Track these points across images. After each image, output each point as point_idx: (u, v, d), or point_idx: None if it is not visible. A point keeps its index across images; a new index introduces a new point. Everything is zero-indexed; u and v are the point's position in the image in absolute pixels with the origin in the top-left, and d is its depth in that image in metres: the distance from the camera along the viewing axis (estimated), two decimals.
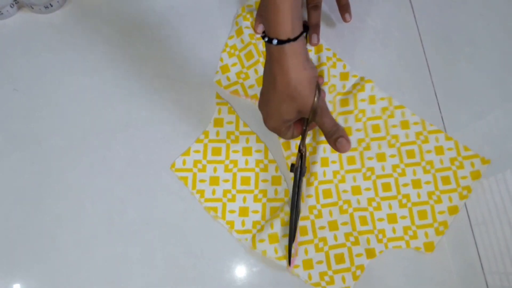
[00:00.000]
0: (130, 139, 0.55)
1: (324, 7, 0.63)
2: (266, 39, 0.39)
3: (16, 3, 0.60)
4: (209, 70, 0.59)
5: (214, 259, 0.51)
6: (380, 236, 0.52)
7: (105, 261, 0.50)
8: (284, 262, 0.50)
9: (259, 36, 0.60)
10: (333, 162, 0.55)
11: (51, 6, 0.60)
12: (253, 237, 0.51)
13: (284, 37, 0.38)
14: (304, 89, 0.40)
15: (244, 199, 0.53)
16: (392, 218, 0.53)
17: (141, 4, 0.62)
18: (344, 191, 0.54)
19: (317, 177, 0.54)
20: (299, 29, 0.39)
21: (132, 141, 0.55)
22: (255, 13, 0.61)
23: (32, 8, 0.60)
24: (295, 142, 0.56)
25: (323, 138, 0.55)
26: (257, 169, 0.54)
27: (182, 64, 0.59)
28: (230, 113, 0.57)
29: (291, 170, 0.48)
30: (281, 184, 0.54)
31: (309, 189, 0.53)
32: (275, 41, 0.38)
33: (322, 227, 0.52)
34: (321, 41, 0.60)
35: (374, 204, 0.53)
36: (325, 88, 0.58)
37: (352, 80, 0.59)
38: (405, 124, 0.57)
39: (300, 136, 0.48)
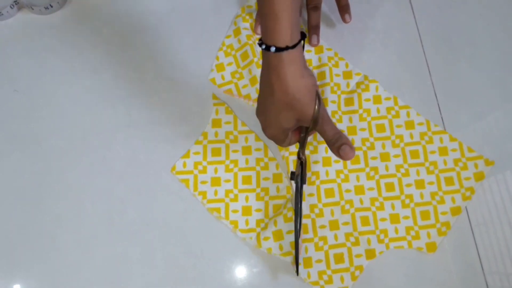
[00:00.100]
0: (130, 139, 0.57)
1: (324, 8, 0.65)
2: (264, 46, 0.39)
3: (16, 3, 0.62)
4: (208, 71, 0.61)
5: (214, 259, 0.52)
6: (382, 236, 0.53)
7: (105, 261, 0.52)
8: (289, 258, 0.52)
9: (259, 36, 0.62)
10: (336, 161, 0.57)
11: (51, 7, 0.62)
12: (258, 235, 0.53)
13: (282, 44, 0.38)
14: (303, 97, 0.40)
15: (247, 198, 0.55)
16: (394, 218, 0.54)
17: (141, 5, 0.64)
18: (347, 190, 0.55)
19: (319, 177, 0.56)
20: (297, 36, 0.40)
21: (132, 142, 0.57)
22: (254, 14, 0.63)
23: (32, 9, 0.62)
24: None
25: None
26: (257, 168, 0.56)
27: (181, 65, 0.61)
28: (228, 113, 0.59)
29: (291, 178, 0.49)
30: (282, 181, 0.56)
31: (310, 188, 0.55)
32: (273, 49, 0.38)
33: (322, 226, 0.54)
34: (321, 41, 0.62)
35: (377, 204, 0.55)
36: (328, 88, 0.59)
37: (355, 78, 0.61)
38: (410, 124, 0.58)
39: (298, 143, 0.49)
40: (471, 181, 0.55)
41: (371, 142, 0.58)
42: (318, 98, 0.41)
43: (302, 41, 0.40)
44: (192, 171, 0.56)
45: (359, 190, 0.55)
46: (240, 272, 0.52)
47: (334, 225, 0.54)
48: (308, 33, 0.62)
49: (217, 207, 0.54)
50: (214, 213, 0.54)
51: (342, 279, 0.52)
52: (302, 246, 0.53)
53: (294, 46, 0.39)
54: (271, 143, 0.57)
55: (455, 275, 0.52)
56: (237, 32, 0.62)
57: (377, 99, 0.59)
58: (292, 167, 0.56)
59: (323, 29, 0.63)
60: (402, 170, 0.56)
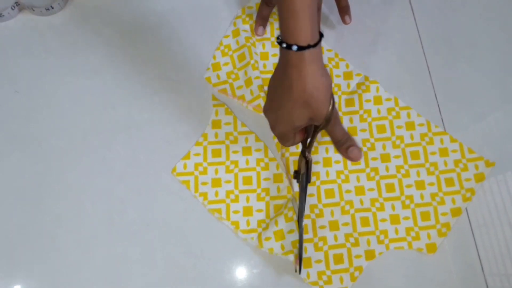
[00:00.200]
0: (130, 139, 0.59)
1: (324, 9, 0.66)
2: (284, 45, 0.40)
3: (17, 5, 0.64)
4: None
5: (214, 260, 0.54)
6: (382, 237, 0.54)
7: (105, 261, 0.53)
8: (291, 256, 0.53)
9: (259, 37, 0.64)
10: (337, 162, 0.58)
11: (52, 8, 0.64)
12: (259, 235, 0.54)
13: (304, 43, 0.39)
14: (321, 95, 0.41)
15: (247, 199, 0.56)
16: (394, 219, 0.55)
17: (141, 5, 0.66)
18: (347, 191, 0.56)
19: (319, 177, 0.57)
20: (317, 35, 0.41)
21: (133, 142, 0.59)
22: (254, 15, 0.64)
23: (33, 10, 0.64)
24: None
25: (325, 139, 0.58)
26: (258, 168, 0.57)
27: (182, 66, 0.63)
28: (228, 114, 0.60)
29: (295, 177, 0.50)
30: (283, 181, 0.57)
31: (311, 189, 0.56)
32: (295, 47, 0.39)
33: (322, 227, 0.55)
34: (322, 43, 0.63)
35: (377, 204, 0.56)
36: None
37: (356, 79, 0.62)
38: (410, 125, 0.60)
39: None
40: (472, 182, 0.57)
41: (372, 143, 0.59)
42: (332, 98, 0.42)
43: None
44: (192, 172, 0.57)
45: (360, 190, 0.57)
46: (241, 272, 0.53)
47: (334, 225, 0.55)
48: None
49: (218, 208, 0.56)
50: (215, 214, 0.55)
51: (341, 279, 0.53)
52: (303, 245, 0.54)
53: (315, 45, 0.39)
54: (271, 143, 0.59)
55: (455, 276, 0.53)
56: (236, 33, 0.64)
57: (377, 100, 0.61)
58: (292, 168, 0.57)
59: (323, 30, 0.65)
60: (403, 171, 0.57)
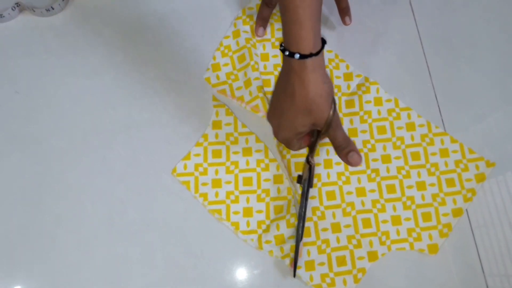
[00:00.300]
0: (130, 140, 0.59)
1: (324, 10, 0.67)
2: (287, 53, 0.41)
3: (17, 6, 0.64)
4: None
5: (215, 260, 0.54)
6: (384, 238, 0.55)
7: (105, 261, 0.54)
8: (287, 260, 0.54)
9: (259, 38, 0.65)
10: (337, 163, 0.59)
11: (53, 9, 0.65)
12: (259, 237, 0.55)
13: (306, 51, 0.40)
14: (322, 102, 0.42)
15: (248, 200, 0.57)
16: (396, 220, 0.56)
17: (142, 6, 0.67)
18: (348, 192, 0.57)
19: (320, 179, 0.58)
20: (320, 43, 0.42)
21: (133, 142, 0.59)
22: (255, 16, 0.65)
23: (34, 11, 0.64)
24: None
25: (326, 140, 0.59)
26: (258, 169, 0.58)
27: (183, 66, 0.63)
28: (228, 115, 0.61)
29: (298, 182, 0.50)
30: (283, 182, 0.58)
31: (312, 191, 0.57)
32: (297, 56, 0.40)
33: (325, 229, 0.55)
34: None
35: (378, 206, 0.57)
36: None
37: (356, 80, 0.63)
38: (410, 126, 0.60)
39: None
40: (472, 183, 0.57)
41: (372, 144, 0.60)
42: (334, 103, 0.43)
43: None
44: (193, 173, 0.58)
45: (361, 192, 0.57)
46: (241, 273, 0.54)
47: (336, 227, 0.56)
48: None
49: (218, 208, 0.56)
50: (215, 214, 0.56)
51: (344, 281, 0.53)
52: (304, 249, 0.54)
53: (317, 53, 0.40)
54: (272, 145, 0.59)
55: (456, 277, 0.54)
56: (236, 34, 0.65)
57: (378, 101, 0.62)
58: (293, 169, 0.58)
59: (323, 31, 0.66)
60: (403, 172, 0.58)
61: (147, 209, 0.56)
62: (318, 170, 0.58)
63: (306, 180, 0.50)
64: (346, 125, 0.60)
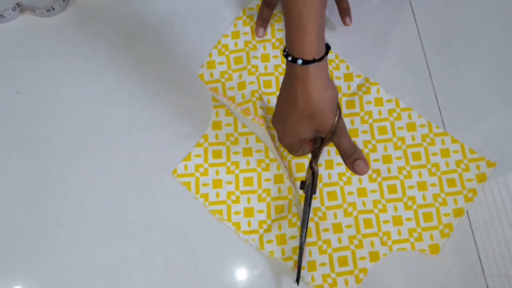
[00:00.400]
0: (131, 140, 0.59)
1: None
2: (290, 58, 0.41)
3: (18, 6, 0.65)
4: None
5: (215, 260, 0.54)
6: (385, 238, 0.55)
7: (105, 261, 0.54)
8: (290, 263, 0.54)
9: (259, 39, 0.65)
10: (338, 164, 0.59)
11: (53, 9, 0.65)
12: (261, 237, 0.55)
13: (309, 57, 0.40)
14: (326, 109, 0.41)
15: (249, 200, 0.57)
16: (397, 220, 0.56)
17: (142, 7, 0.67)
18: (350, 193, 0.57)
19: (321, 180, 0.58)
20: (323, 49, 0.42)
21: (133, 143, 0.59)
22: (255, 17, 0.66)
23: (34, 11, 0.65)
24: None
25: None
26: (259, 169, 0.58)
27: (183, 66, 0.64)
28: (228, 115, 0.61)
29: (301, 187, 0.50)
30: (284, 182, 0.58)
31: None
32: (300, 61, 0.40)
33: (326, 229, 0.56)
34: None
35: (379, 206, 0.57)
36: None
37: (356, 81, 0.63)
38: (411, 126, 0.61)
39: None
40: (473, 183, 0.58)
41: (373, 145, 0.60)
42: (339, 110, 0.43)
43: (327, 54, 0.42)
44: (193, 173, 0.58)
45: (362, 192, 0.58)
46: (241, 273, 0.54)
47: (337, 228, 0.56)
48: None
49: (219, 209, 0.56)
50: (216, 215, 0.56)
51: (346, 282, 0.53)
52: (305, 249, 0.54)
53: (320, 59, 0.40)
54: (272, 145, 0.60)
55: (456, 277, 0.54)
56: (235, 34, 0.65)
57: (378, 102, 0.62)
58: (294, 170, 0.58)
59: None
60: (404, 172, 0.58)
61: (147, 209, 0.56)
62: (319, 170, 0.58)
63: (309, 185, 0.50)
64: (347, 126, 0.60)
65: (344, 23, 0.65)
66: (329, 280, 0.53)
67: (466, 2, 0.68)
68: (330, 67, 0.64)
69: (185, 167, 0.58)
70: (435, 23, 0.67)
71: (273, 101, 0.62)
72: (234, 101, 0.61)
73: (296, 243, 0.55)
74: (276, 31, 0.66)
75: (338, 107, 0.43)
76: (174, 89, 0.62)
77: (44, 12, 0.65)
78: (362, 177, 0.58)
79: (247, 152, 0.59)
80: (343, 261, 0.54)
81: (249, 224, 0.56)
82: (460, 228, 0.56)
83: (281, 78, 0.63)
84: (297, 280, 0.52)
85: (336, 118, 0.42)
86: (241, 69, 0.63)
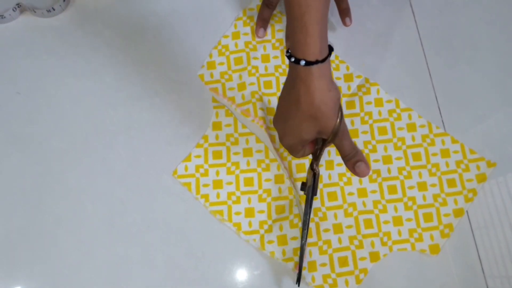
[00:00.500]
0: (131, 141, 0.59)
1: None
2: (293, 59, 0.41)
3: (18, 6, 0.65)
4: None
5: (216, 261, 0.54)
6: (385, 238, 0.55)
7: (105, 262, 0.54)
8: (291, 264, 0.54)
9: (259, 40, 0.65)
10: (339, 165, 0.59)
11: (53, 10, 0.65)
12: (261, 237, 0.55)
13: (312, 58, 0.40)
14: (328, 110, 0.41)
15: (249, 200, 0.57)
16: (397, 221, 0.56)
17: (143, 7, 0.67)
18: (350, 193, 0.57)
19: (322, 180, 0.58)
20: (326, 50, 0.42)
21: (133, 143, 0.59)
22: (255, 17, 0.66)
23: (35, 11, 0.65)
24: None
25: None
26: (259, 169, 0.58)
27: (183, 67, 0.64)
28: (228, 116, 0.61)
29: (302, 189, 0.51)
30: (284, 182, 0.58)
31: None
32: (303, 62, 0.40)
33: (326, 230, 0.56)
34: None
35: (379, 206, 0.57)
36: None
37: (356, 81, 0.63)
38: (411, 127, 0.61)
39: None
40: (473, 183, 0.58)
41: (373, 145, 0.60)
42: (341, 112, 0.43)
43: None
44: (193, 174, 0.58)
45: (362, 193, 0.58)
46: (241, 274, 0.54)
47: (337, 228, 0.56)
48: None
49: (219, 209, 0.56)
50: (217, 215, 0.56)
51: (346, 282, 0.53)
52: (306, 250, 0.54)
53: (323, 60, 0.40)
54: (271, 146, 0.60)
55: (456, 278, 0.54)
56: (236, 35, 0.65)
57: (378, 102, 0.62)
58: (295, 171, 0.58)
59: None
60: (405, 173, 0.58)
61: (147, 209, 0.56)
62: (320, 171, 0.58)
63: (310, 187, 0.50)
64: (347, 126, 0.61)
65: (344, 23, 0.65)
66: (330, 281, 0.53)
67: (466, 3, 0.68)
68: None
69: (186, 168, 0.58)
70: (435, 23, 0.67)
71: (273, 102, 0.62)
72: (234, 101, 0.61)
73: (297, 244, 0.55)
74: (276, 32, 0.66)
75: (340, 109, 0.43)
76: (174, 89, 0.62)
77: (44, 13, 0.65)
78: (362, 177, 0.58)
79: (247, 152, 0.59)
80: (343, 262, 0.54)
81: (249, 224, 0.56)
82: (460, 228, 0.56)
83: (281, 79, 0.63)
84: (298, 281, 0.52)
85: (338, 120, 0.42)
86: (241, 70, 0.63)
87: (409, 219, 0.56)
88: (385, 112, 0.61)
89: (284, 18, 0.66)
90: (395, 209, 0.57)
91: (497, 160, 0.59)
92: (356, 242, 0.55)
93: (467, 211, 0.57)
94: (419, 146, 0.60)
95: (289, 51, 0.42)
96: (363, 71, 0.64)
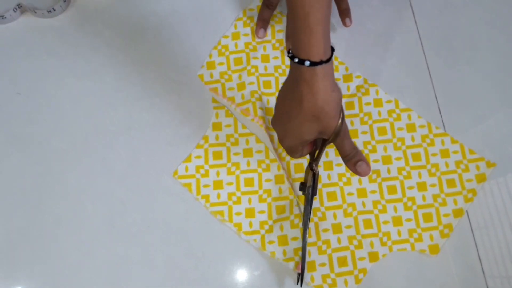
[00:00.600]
0: (131, 141, 0.59)
1: None
2: (296, 60, 0.40)
3: (19, 7, 0.65)
4: None
5: (216, 261, 0.54)
6: (385, 239, 0.55)
7: (105, 262, 0.54)
8: (291, 263, 0.54)
9: (259, 40, 0.65)
10: (338, 165, 0.59)
11: (54, 10, 0.65)
12: (262, 238, 0.55)
13: (317, 59, 0.39)
14: (331, 110, 0.41)
15: (249, 200, 0.57)
16: (397, 221, 0.56)
17: (143, 8, 0.67)
18: (349, 193, 0.57)
19: (321, 180, 0.58)
20: (330, 50, 0.42)
21: (134, 143, 0.59)
22: (255, 17, 0.65)
23: (35, 12, 0.65)
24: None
25: None
26: (259, 170, 0.58)
27: (183, 67, 0.63)
28: (228, 116, 0.61)
29: (301, 189, 0.50)
30: (284, 182, 0.58)
31: None
32: (307, 63, 0.39)
33: (325, 230, 0.55)
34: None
35: (379, 206, 0.57)
36: None
37: (356, 81, 0.63)
38: (411, 127, 0.60)
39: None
40: (473, 183, 0.57)
41: (373, 145, 0.60)
42: (342, 112, 0.42)
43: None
44: (194, 175, 0.58)
45: (362, 193, 0.57)
46: (242, 274, 0.54)
47: (337, 228, 0.56)
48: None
49: (220, 210, 0.56)
50: (218, 216, 0.56)
51: (346, 282, 0.53)
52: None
53: (327, 61, 0.40)
54: (271, 145, 0.60)
55: (456, 278, 0.54)
56: (236, 35, 0.65)
57: (377, 103, 0.62)
58: (293, 171, 0.58)
59: None
60: (404, 173, 0.58)
61: (147, 209, 0.56)
62: (319, 171, 0.58)
63: (310, 187, 0.49)
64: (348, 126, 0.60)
65: (344, 24, 0.65)
66: (329, 281, 0.53)
67: (466, 3, 0.68)
68: None
69: (186, 169, 0.58)
70: (435, 23, 0.67)
71: (272, 101, 0.61)
72: (234, 101, 0.61)
73: (297, 244, 0.55)
74: (276, 32, 0.65)
75: (342, 109, 0.43)
76: (174, 90, 0.62)
77: (44, 13, 0.65)
78: (361, 177, 0.58)
79: (248, 153, 0.59)
80: (342, 262, 0.54)
81: (250, 224, 0.56)
82: (460, 228, 0.56)
83: (281, 79, 0.63)
84: (301, 282, 0.51)
85: (340, 120, 0.42)
86: (240, 70, 0.63)
87: (408, 219, 0.56)
88: (384, 112, 0.61)
89: (284, 19, 0.66)
90: (395, 209, 0.57)
91: (497, 160, 0.58)
92: (355, 242, 0.55)
93: (467, 211, 0.57)
94: (418, 146, 0.60)
95: (291, 51, 0.42)
96: (363, 71, 0.63)
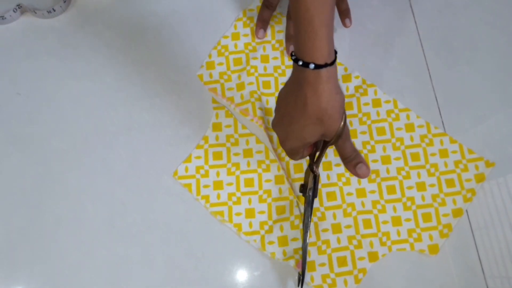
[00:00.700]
0: (131, 141, 0.59)
1: None
2: (300, 62, 0.40)
3: (19, 7, 0.64)
4: None
5: (216, 261, 0.54)
6: (384, 239, 0.55)
7: (106, 262, 0.53)
8: (291, 261, 0.53)
9: (259, 40, 0.65)
10: (337, 165, 0.58)
11: (54, 11, 0.65)
12: (262, 238, 0.55)
13: (321, 61, 0.39)
14: (335, 112, 0.41)
15: (249, 201, 0.57)
16: (396, 221, 0.56)
17: (143, 8, 0.67)
18: (349, 193, 0.57)
19: (320, 180, 0.57)
20: (333, 53, 0.41)
21: (133, 144, 0.59)
22: (255, 18, 0.65)
23: (35, 12, 0.64)
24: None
25: None
26: (259, 170, 0.58)
27: (183, 68, 0.63)
28: (228, 117, 0.61)
29: (301, 191, 0.50)
30: (284, 183, 0.57)
31: None
32: (312, 66, 0.39)
33: (325, 230, 0.55)
34: None
35: (378, 206, 0.56)
36: None
37: (354, 82, 0.63)
38: (410, 127, 0.60)
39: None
40: (472, 183, 0.57)
41: (372, 145, 0.60)
42: (344, 114, 0.42)
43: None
44: (194, 175, 0.58)
45: (361, 193, 0.57)
46: (242, 274, 0.53)
47: (336, 228, 0.55)
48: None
49: (220, 210, 0.56)
50: (218, 216, 0.56)
51: (345, 282, 0.53)
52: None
53: (332, 63, 0.40)
54: (270, 146, 0.59)
55: (456, 278, 0.53)
56: (235, 36, 0.65)
57: (376, 103, 0.62)
58: (292, 171, 0.58)
59: None
60: (403, 173, 0.58)
61: (147, 210, 0.56)
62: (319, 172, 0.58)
63: (311, 189, 0.49)
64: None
65: (344, 24, 0.64)
66: (328, 281, 0.53)
67: (466, 4, 0.67)
68: None
69: (186, 169, 0.58)
70: (435, 24, 0.66)
71: (271, 102, 0.61)
72: (233, 101, 0.61)
73: (297, 244, 0.54)
74: (276, 33, 0.65)
75: (344, 112, 0.42)
76: (174, 90, 0.62)
77: (45, 14, 0.64)
78: None
79: (248, 153, 0.59)
80: (342, 262, 0.54)
81: (250, 225, 0.55)
82: (460, 228, 0.56)
83: (280, 79, 0.62)
84: (301, 283, 0.51)
85: (342, 122, 0.42)
86: (240, 70, 0.63)
87: (408, 219, 0.56)
88: (383, 112, 0.61)
89: (284, 20, 0.66)
90: (394, 209, 0.56)
91: (497, 160, 0.58)
92: (355, 242, 0.55)
93: (467, 211, 0.56)
94: (417, 146, 0.59)
95: (294, 54, 0.41)
96: (363, 72, 0.63)
